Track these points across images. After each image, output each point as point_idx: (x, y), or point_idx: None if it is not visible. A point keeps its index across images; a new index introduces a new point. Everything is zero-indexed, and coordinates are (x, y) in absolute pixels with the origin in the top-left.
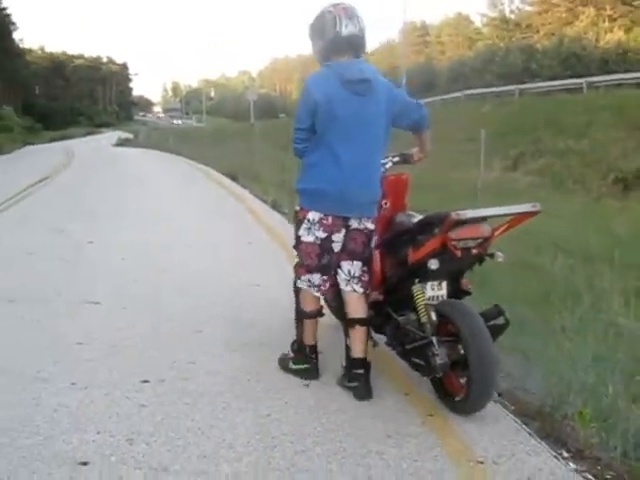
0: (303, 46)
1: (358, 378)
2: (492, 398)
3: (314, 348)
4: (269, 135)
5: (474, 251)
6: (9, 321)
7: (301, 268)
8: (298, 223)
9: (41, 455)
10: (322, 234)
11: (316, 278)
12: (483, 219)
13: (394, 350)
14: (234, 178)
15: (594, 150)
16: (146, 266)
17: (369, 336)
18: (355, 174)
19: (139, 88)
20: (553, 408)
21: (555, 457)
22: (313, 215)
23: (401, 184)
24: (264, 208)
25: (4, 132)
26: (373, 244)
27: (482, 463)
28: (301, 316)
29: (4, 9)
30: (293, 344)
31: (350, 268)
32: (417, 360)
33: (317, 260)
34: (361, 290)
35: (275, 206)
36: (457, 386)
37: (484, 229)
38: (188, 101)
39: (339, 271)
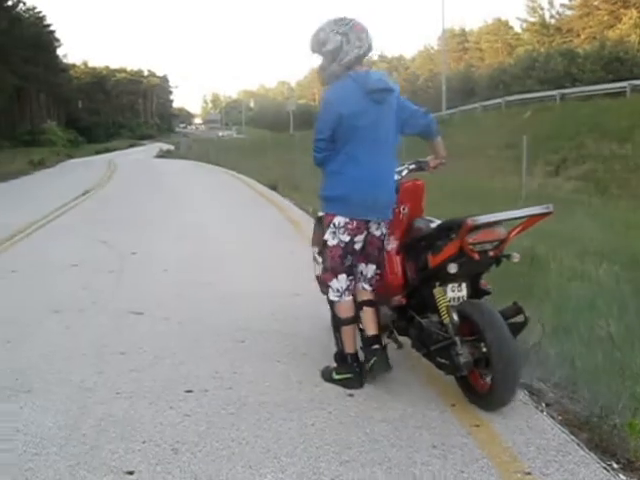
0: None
1: (375, 353)
2: (516, 393)
3: (356, 356)
4: (308, 145)
5: (491, 253)
6: (54, 331)
7: (326, 274)
8: (324, 228)
9: (88, 464)
10: (346, 237)
11: (342, 280)
12: (498, 223)
13: (419, 352)
14: (274, 188)
15: (638, 154)
16: (188, 277)
17: (393, 337)
18: (375, 179)
19: (179, 100)
20: (602, 418)
21: (605, 468)
22: (338, 220)
23: (418, 190)
24: (305, 217)
25: (48, 146)
26: (388, 247)
27: (529, 474)
28: (338, 323)
29: (49, 26)
30: (335, 355)
31: (364, 269)
32: (442, 360)
33: (341, 262)
34: (370, 289)
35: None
36: (481, 383)
37: (500, 232)
38: (228, 112)
39: (358, 273)
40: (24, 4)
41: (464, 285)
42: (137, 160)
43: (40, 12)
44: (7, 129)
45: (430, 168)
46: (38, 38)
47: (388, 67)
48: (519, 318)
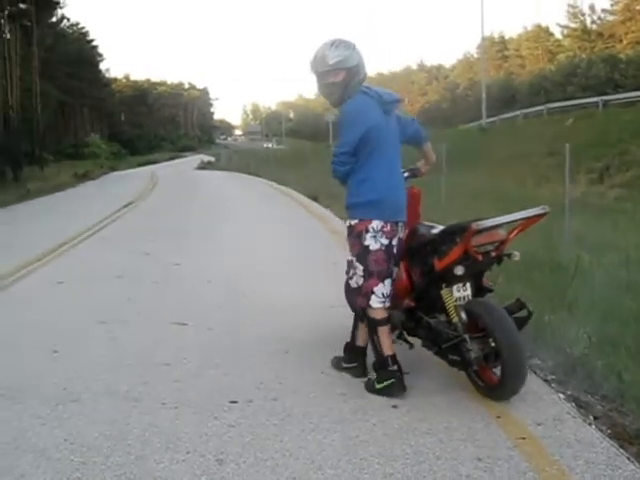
0: (382, 65)
1: (394, 374)
2: (524, 383)
3: (395, 358)
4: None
5: (493, 254)
6: (100, 341)
7: (371, 280)
8: (358, 236)
9: (133, 474)
10: (386, 241)
11: (388, 285)
12: (500, 226)
13: (430, 350)
14: (315, 198)
15: None
16: (231, 288)
17: (403, 338)
18: (397, 183)
19: (220, 112)
20: None
21: None
22: (376, 224)
23: (415, 197)
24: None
25: (92, 159)
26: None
27: None
28: (375, 325)
29: (91, 41)
30: (374, 364)
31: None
32: (453, 357)
33: (387, 265)
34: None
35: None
36: (492, 375)
37: (500, 234)
38: (268, 123)
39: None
40: (68, 20)
41: (468, 285)
42: (178, 172)
43: (83, 28)
44: (52, 143)
45: (421, 173)
46: (81, 53)
47: (427, 76)
48: (523, 313)
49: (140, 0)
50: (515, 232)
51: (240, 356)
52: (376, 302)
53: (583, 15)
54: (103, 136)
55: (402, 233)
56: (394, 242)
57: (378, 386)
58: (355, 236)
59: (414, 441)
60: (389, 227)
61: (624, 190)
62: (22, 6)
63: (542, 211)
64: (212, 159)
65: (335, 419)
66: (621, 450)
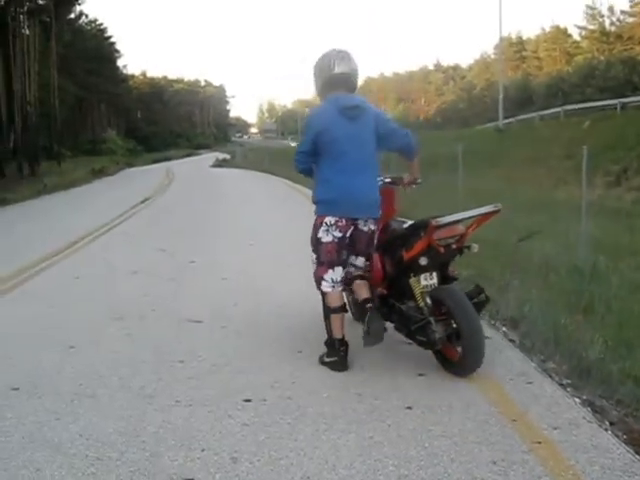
0: (398, 64)
1: (368, 310)
2: (482, 361)
3: (342, 341)
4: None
5: (453, 246)
6: (116, 337)
7: (321, 267)
8: (315, 228)
9: (148, 471)
10: (339, 234)
11: (338, 272)
12: (458, 221)
13: (401, 333)
14: None
15: None
16: (246, 286)
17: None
18: (356, 183)
19: (236, 109)
20: None
21: None
22: (329, 219)
23: (390, 194)
24: None
25: (108, 155)
26: (375, 241)
27: None
28: (328, 312)
29: (109, 37)
30: (326, 341)
31: (354, 261)
32: (421, 338)
33: (337, 256)
34: (362, 268)
35: None
36: (454, 353)
37: (459, 228)
38: (284, 121)
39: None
40: (86, 17)
41: (434, 274)
42: (194, 169)
43: (101, 24)
44: (69, 138)
45: (404, 184)
46: (99, 50)
47: (444, 76)
48: (481, 298)
49: None
50: (472, 227)
51: (254, 354)
52: (326, 286)
53: (602, 17)
54: (119, 132)
55: (372, 226)
56: (347, 235)
57: (326, 360)
58: (313, 229)
59: (428, 443)
60: (344, 222)
61: None
62: (41, 2)
63: (495, 209)
64: (227, 157)
65: (349, 419)
66: (637, 456)
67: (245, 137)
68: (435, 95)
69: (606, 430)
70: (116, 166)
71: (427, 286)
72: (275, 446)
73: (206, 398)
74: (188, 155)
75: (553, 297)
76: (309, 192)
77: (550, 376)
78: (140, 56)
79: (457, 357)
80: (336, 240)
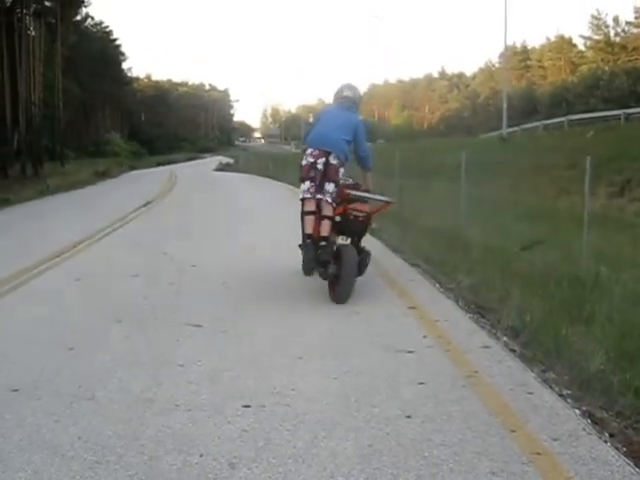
0: (404, 72)
1: (323, 246)
2: (349, 296)
3: (309, 236)
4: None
5: (360, 219)
6: (116, 340)
7: (301, 182)
8: (302, 156)
9: (146, 475)
10: (312, 159)
11: (307, 184)
12: (365, 200)
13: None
14: None
15: None
16: (246, 291)
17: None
18: (330, 133)
19: (240, 114)
20: None
21: None
22: (309, 150)
23: (343, 190)
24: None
25: (111, 157)
26: (340, 176)
27: None
28: (303, 214)
29: (115, 40)
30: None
31: (327, 186)
32: (325, 271)
33: (307, 173)
34: (330, 200)
35: (373, 231)
36: (335, 288)
37: (366, 207)
38: (287, 127)
39: (323, 188)
40: (92, 19)
41: (348, 240)
42: (197, 172)
43: (107, 27)
44: (73, 140)
45: (360, 189)
46: (104, 52)
47: (448, 84)
48: (364, 256)
49: (164, 1)
50: (375, 211)
51: (254, 360)
52: (301, 193)
53: (607, 27)
54: (123, 135)
55: (337, 161)
56: (319, 162)
57: (300, 249)
58: (301, 156)
59: (428, 452)
60: (317, 152)
61: None
62: (47, 4)
63: (390, 200)
64: (230, 161)
65: (348, 427)
66: (637, 469)
67: (249, 142)
68: (439, 103)
69: (606, 442)
70: (119, 168)
71: (340, 243)
72: (274, 452)
73: (205, 403)
74: (192, 158)
75: (554, 307)
76: None
77: (550, 387)
78: (145, 59)
79: (336, 291)
80: (309, 163)
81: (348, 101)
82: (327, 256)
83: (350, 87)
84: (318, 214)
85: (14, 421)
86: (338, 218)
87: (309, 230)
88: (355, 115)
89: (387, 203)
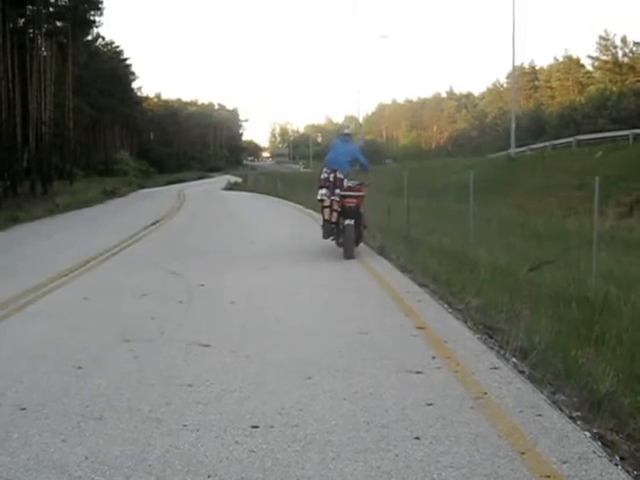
0: (412, 91)
1: (325, 222)
2: (352, 257)
3: (327, 220)
4: (374, 180)
5: (352, 206)
6: (124, 359)
7: (319, 189)
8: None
9: None
10: (326, 175)
11: (324, 190)
12: (353, 196)
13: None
14: None
15: None
16: (255, 311)
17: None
18: (337, 158)
19: (248, 133)
20: None
21: None
22: (325, 169)
23: (359, 188)
24: (371, 252)
25: (120, 176)
26: (344, 184)
27: None
28: (322, 208)
29: (125, 60)
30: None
31: (336, 192)
32: (337, 240)
33: (324, 183)
34: (337, 199)
35: (382, 251)
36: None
37: (354, 200)
38: (296, 146)
39: (333, 192)
40: (103, 39)
41: (352, 221)
42: (206, 191)
43: (117, 47)
44: (82, 159)
45: (364, 186)
46: (115, 71)
47: (456, 104)
48: (361, 229)
49: (174, 22)
50: (359, 201)
51: (262, 380)
52: (319, 196)
53: (615, 47)
54: (132, 153)
55: (341, 175)
56: (331, 176)
57: (321, 228)
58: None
59: (437, 474)
60: (330, 170)
61: None
62: (59, 24)
63: (363, 182)
64: (239, 180)
65: (357, 448)
66: None
67: (258, 161)
68: (447, 123)
69: (616, 465)
70: (128, 187)
71: (347, 223)
72: (282, 474)
73: (213, 423)
74: (201, 177)
75: (563, 328)
76: (319, 216)
77: (560, 408)
78: (155, 79)
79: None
80: (324, 177)
81: (347, 136)
82: (335, 233)
83: (347, 127)
84: (330, 207)
85: (21, 440)
86: (340, 209)
87: (327, 217)
88: (353, 145)
89: (361, 184)
